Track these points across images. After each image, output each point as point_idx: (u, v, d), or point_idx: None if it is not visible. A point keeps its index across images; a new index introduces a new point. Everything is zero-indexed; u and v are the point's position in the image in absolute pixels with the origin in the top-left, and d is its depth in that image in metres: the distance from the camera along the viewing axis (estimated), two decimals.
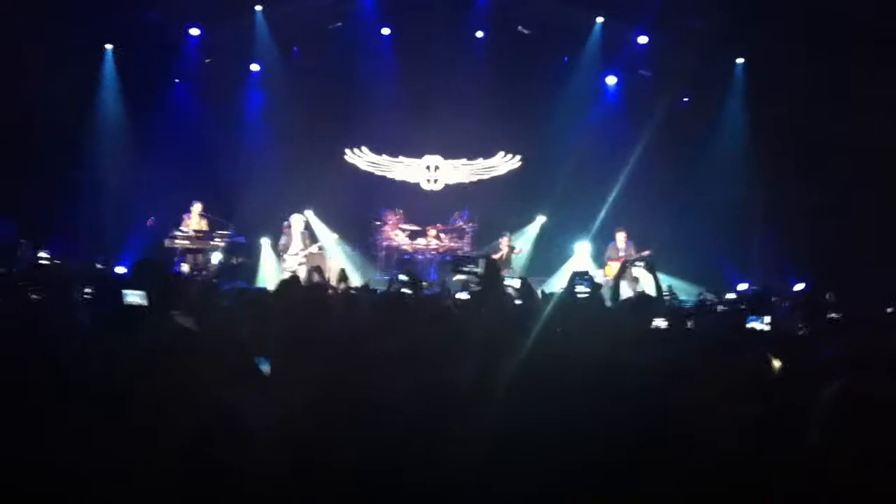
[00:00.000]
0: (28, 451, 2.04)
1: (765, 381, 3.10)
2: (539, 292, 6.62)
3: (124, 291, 3.17)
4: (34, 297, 4.16)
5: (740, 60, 14.68)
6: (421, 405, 1.74)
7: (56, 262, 9.33)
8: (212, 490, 2.15)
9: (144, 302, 3.16)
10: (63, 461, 2.02)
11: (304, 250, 12.93)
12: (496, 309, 3.52)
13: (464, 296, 7.04)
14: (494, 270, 3.42)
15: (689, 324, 5.19)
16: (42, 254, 9.60)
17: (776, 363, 3.18)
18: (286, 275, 12.31)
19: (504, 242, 13.86)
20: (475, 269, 11.85)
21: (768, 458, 2.27)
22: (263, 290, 7.30)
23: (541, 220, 15.09)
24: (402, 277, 6.16)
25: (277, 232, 13.33)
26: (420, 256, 14.15)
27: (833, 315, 5.58)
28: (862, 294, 9.56)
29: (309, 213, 13.87)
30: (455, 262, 12.64)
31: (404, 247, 14.20)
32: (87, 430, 2.14)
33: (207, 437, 2.34)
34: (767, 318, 5.00)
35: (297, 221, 13.16)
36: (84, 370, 2.48)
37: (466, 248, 14.05)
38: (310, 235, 13.32)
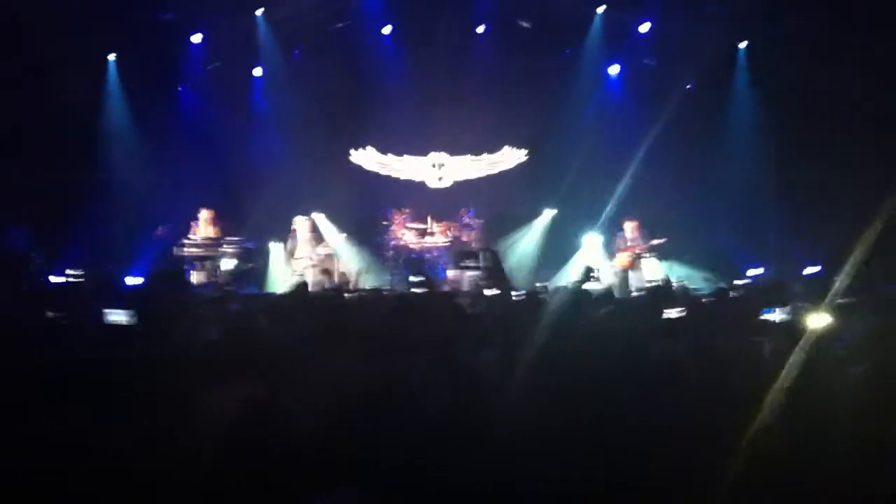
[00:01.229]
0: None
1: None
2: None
3: (105, 311, 3.10)
4: (51, 314, 4.12)
5: (743, 44, 14.63)
6: (449, 393, 1.74)
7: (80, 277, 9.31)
8: (244, 482, 2.15)
9: (132, 321, 3.07)
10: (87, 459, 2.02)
11: (310, 253, 12.88)
12: (503, 300, 3.51)
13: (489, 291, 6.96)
14: (497, 262, 3.40)
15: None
16: (70, 271, 9.57)
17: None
18: (295, 278, 12.38)
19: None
20: (479, 263, 11.85)
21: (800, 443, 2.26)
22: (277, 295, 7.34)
23: (549, 213, 15.07)
24: (414, 279, 6.15)
25: (286, 236, 13.32)
26: (428, 255, 14.13)
27: (846, 300, 5.47)
28: (875, 276, 9.51)
29: (317, 216, 13.87)
30: (458, 257, 12.76)
31: (412, 246, 14.18)
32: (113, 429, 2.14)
33: (239, 432, 2.35)
34: (783, 310, 4.95)
35: (301, 224, 13.08)
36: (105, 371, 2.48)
37: (474, 245, 14.01)
38: (316, 237, 13.24)
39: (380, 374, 2.40)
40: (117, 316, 3.00)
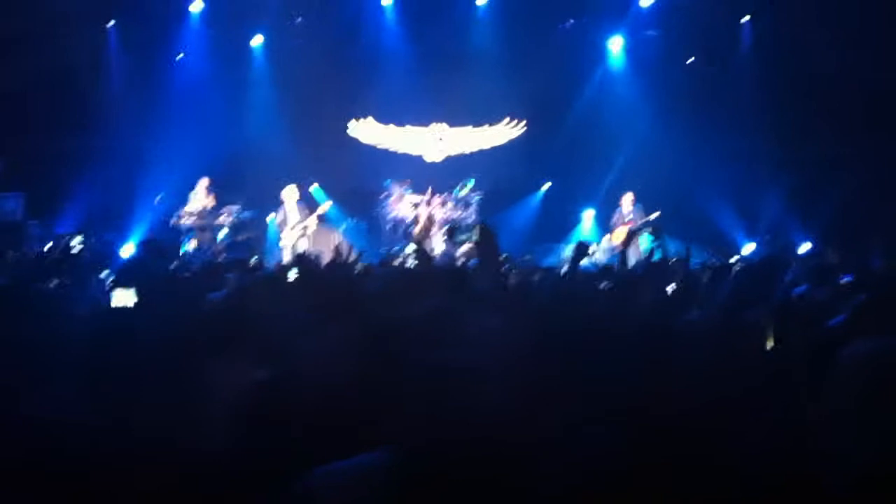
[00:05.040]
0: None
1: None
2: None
3: (111, 292, 3.03)
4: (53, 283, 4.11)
5: (746, 18, 14.55)
6: (449, 365, 1.77)
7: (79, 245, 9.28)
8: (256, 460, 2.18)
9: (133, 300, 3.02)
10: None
11: (300, 223, 12.80)
12: (493, 276, 3.51)
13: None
14: (489, 237, 3.39)
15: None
16: (76, 240, 9.53)
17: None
18: (286, 250, 12.35)
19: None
20: (471, 237, 11.85)
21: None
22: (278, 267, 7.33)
23: (547, 187, 15.09)
24: (410, 249, 6.18)
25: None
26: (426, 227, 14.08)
27: (846, 279, 5.46)
28: (868, 253, 9.57)
29: (314, 187, 13.84)
30: (450, 230, 12.76)
31: (411, 218, 14.14)
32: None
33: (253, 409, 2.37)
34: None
35: (289, 194, 12.88)
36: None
37: (473, 218, 13.99)
38: (306, 206, 13.04)
39: (379, 349, 2.42)
40: (122, 296, 2.96)
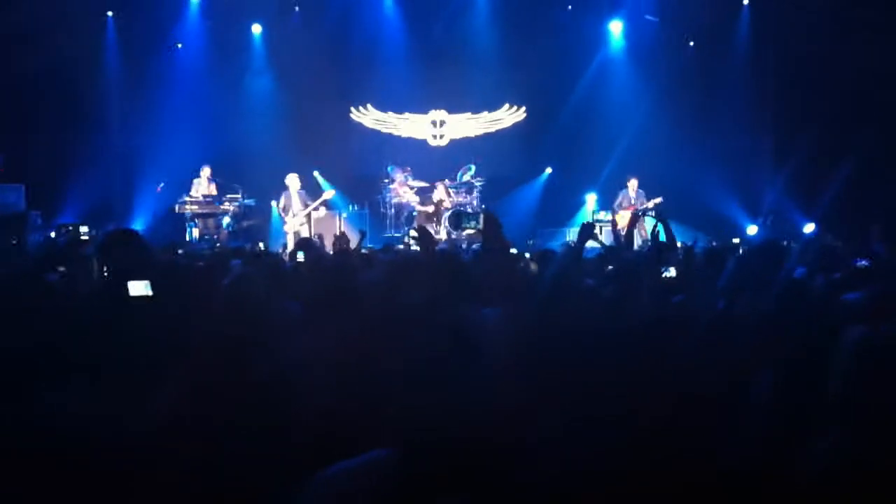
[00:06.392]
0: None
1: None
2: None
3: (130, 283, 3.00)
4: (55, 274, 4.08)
5: (746, 1, 14.49)
6: (451, 352, 1.78)
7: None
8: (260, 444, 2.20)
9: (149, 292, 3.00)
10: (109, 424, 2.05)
11: (303, 210, 12.81)
12: (499, 263, 3.52)
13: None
14: (494, 224, 3.39)
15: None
16: (83, 228, 9.51)
17: None
18: (290, 236, 12.41)
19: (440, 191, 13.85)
20: (476, 224, 11.83)
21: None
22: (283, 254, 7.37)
23: (549, 171, 15.10)
24: (413, 234, 6.18)
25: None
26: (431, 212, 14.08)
27: (861, 263, 5.44)
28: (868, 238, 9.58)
29: (315, 174, 13.86)
30: (456, 216, 12.76)
31: (413, 204, 14.15)
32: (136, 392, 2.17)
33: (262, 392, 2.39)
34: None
35: (292, 181, 12.87)
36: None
37: (475, 204, 14.00)
38: (309, 194, 13.04)
39: (384, 338, 2.44)
40: (137, 287, 2.93)
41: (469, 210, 13.24)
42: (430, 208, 13.70)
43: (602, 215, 13.19)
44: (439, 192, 13.82)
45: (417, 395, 1.72)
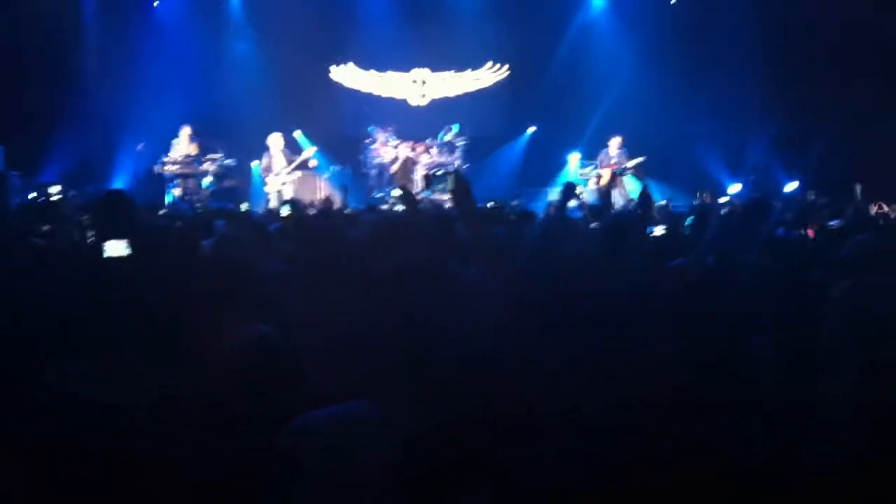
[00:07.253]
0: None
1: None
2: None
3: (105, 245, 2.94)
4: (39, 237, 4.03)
5: None
6: (441, 313, 1.77)
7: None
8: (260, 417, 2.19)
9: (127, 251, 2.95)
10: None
11: (286, 169, 12.73)
12: (472, 225, 3.50)
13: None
14: (463, 186, 3.36)
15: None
16: (53, 188, 9.38)
17: None
18: (272, 196, 12.35)
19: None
20: (446, 186, 11.83)
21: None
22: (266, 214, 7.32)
23: (531, 130, 15.04)
24: (396, 193, 6.17)
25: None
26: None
27: (833, 222, 5.48)
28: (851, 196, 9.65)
29: (297, 133, 13.74)
30: (426, 178, 12.72)
31: (395, 164, 14.06)
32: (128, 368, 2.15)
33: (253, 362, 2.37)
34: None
35: (275, 141, 12.79)
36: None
37: (457, 164, 13.93)
38: (291, 154, 12.93)
39: (373, 300, 2.42)
40: (114, 247, 2.89)
41: (440, 173, 13.15)
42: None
43: (589, 171, 13.18)
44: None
45: (422, 351, 1.72)
